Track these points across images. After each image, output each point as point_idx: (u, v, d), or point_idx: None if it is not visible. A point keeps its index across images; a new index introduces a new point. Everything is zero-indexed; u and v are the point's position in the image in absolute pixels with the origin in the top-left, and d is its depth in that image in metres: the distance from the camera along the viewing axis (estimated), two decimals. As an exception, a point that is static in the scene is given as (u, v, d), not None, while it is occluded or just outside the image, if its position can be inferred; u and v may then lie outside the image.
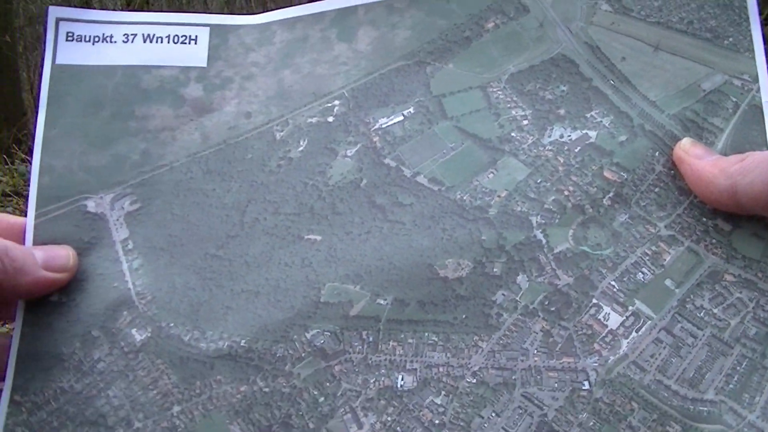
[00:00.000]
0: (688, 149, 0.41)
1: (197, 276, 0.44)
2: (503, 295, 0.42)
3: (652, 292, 0.41)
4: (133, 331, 0.44)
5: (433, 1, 0.47)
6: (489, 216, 0.43)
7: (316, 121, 0.46)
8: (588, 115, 0.44)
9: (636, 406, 0.39)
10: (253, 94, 0.47)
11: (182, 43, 0.48)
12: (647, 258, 0.41)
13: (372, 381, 0.41)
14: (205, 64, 0.48)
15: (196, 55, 0.48)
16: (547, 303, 0.41)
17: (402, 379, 0.41)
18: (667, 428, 0.39)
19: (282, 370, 0.42)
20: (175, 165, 0.46)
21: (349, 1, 0.47)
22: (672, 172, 0.42)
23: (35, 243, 0.45)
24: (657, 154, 0.43)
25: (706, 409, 0.39)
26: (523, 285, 0.42)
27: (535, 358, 0.41)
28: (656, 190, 0.42)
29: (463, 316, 0.42)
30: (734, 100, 0.42)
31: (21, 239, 0.45)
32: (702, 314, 0.40)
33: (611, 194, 0.42)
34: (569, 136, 0.44)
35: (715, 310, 0.40)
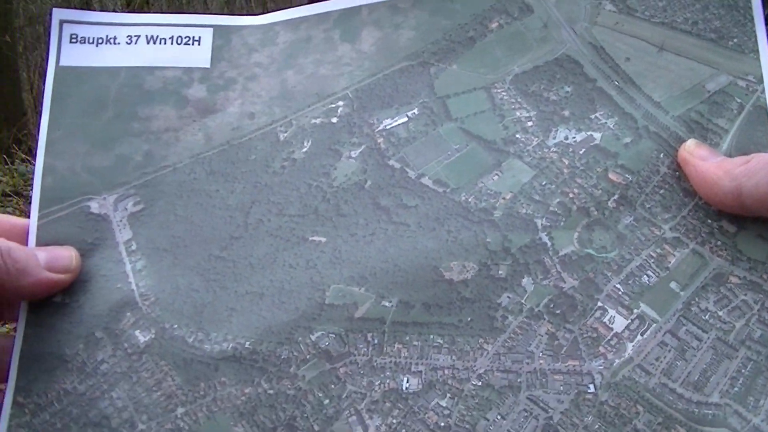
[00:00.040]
0: (692, 151, 0.41)
1: (201, 277, 0.44)
2: (508, 297, 0.42)
3: (657, 294, 0.41)
4: (137, 332, 0.43)
5: (436, 1, 0.46)
6: (494, 218, 0.43)
7: (320, 122, 0.46)
8: (592, 117, 0.44)
9: (641, 409, 0.39)
10: (257, 95, 0.47)
11: (185, 44, 0.48)
12: (652, 260, 0.41)
13: (377, 383, 0.41)
14: (208, 65, 0.48)
15: (200, 56, 0.48)
16: (552, 306, 0.41)
17: (407, 382, 0.41)
18: (672, 431, 0.39)
19: (287, 372, 0.42)
20: (178, 166, 0.46)
21: (353, 1, 0.47)
22: (677, 173, 0.42)
23: (38, 244, 0.45)
24: (662, 155, 0.42)
25: (711, 412, 0.39)
26: (528, 288, 0.42)
27: (541, 361, 0.41)
28: (661, 192, 0.42)
29: (469, 319, 0.42)
30: (739, 101, 0.42)
31: (24, 240, 0.45)
32: (707, 317, 0.40)
33: (616, 196, 0.42)
34: (574, 137, 0.43)
35: (720, 313, 0.40)
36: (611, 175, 0.43)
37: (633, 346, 0.40)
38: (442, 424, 0.40)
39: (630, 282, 0.41)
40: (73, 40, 0.48)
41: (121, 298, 0.44)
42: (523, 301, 0.41)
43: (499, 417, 0.40)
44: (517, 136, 0.44)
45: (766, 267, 0.40)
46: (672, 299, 0.41)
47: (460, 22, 0.46)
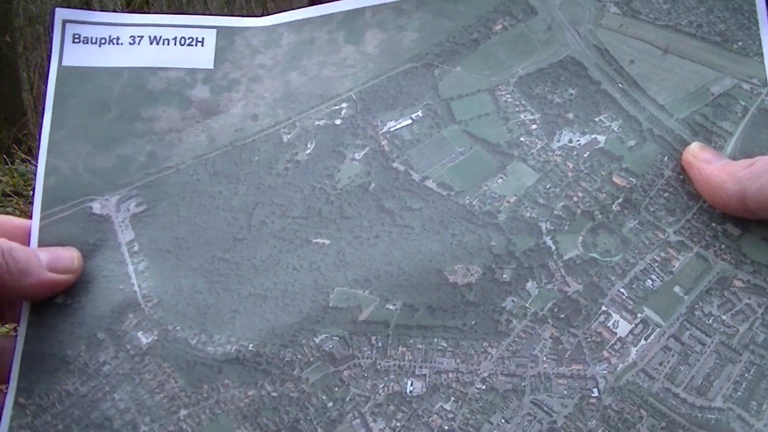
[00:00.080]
0: (697, 154, 0.41)
1: (204, 279, 0.44)
2: (513, 301, 0.42)
3: (660, 299, 0.41)
4: (139, 334, 0.43)
5: (440, 2, 0.46)
6: (498, 221, 0.43)
7: (324, 123, 0.46)
8: (597, 119, 0.44)
9: (644, 414, 0.39)
10: (260, 96, 0.47)
11: (189, 45, 0.48)
12: (656, 265, 0.41)
13: (381, 386, 0.41)
14: (211, 66, 0.48)
15: (203, 57, 0.48)
16: (556, 310, 0.41)
17: (411, 385, 0.41)
18: None
19: (290, 375, 0.42)
20: (181, 167, 0.46)
21: (357, 3, 0.47)
22: (681, 176, 0.42)
23: (40, 245, 0.45)
24: (666, 158, 0.42)
25: (714, 416, 0.39)
26: (532, 292, 0.42)
27: (545, 365, 0.41)
28: (665, 195, 0.42)
29: (473, 323, 0.42)
30: (743, 103, 0.42)
31: (26, 242, 0.45)
32: (710, 321, 0.40)
33: (620, 200, 0.42)
34: (578, 140, 0.43)
35: (724, 317, 0.40)
36: (615, 179, 0.42)
37: (637, 350, 0.40)
38: (446, 427, 0.40)
39: (634, 286, 0.41)
40: (76, 40, 0.48)
41: (123, 299, 0.44)
42: (527, 305, 0.41)
43: (503, 421, 0.40)
44: (522, 139, 0.44)
45: None
46: (676, 303, 0.41)
47: (463, 24, 0.46)
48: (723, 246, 0.41)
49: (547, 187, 0.43)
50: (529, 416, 0.40)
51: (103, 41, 0.48)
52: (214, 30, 0.48)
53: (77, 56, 0.48)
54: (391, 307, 0.42)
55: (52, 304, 0.44)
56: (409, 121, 0.45)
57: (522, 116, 0.44)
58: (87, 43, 0.48)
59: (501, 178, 0.44)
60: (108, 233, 0.45)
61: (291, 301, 0.43)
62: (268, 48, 0.47)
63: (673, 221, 0.42)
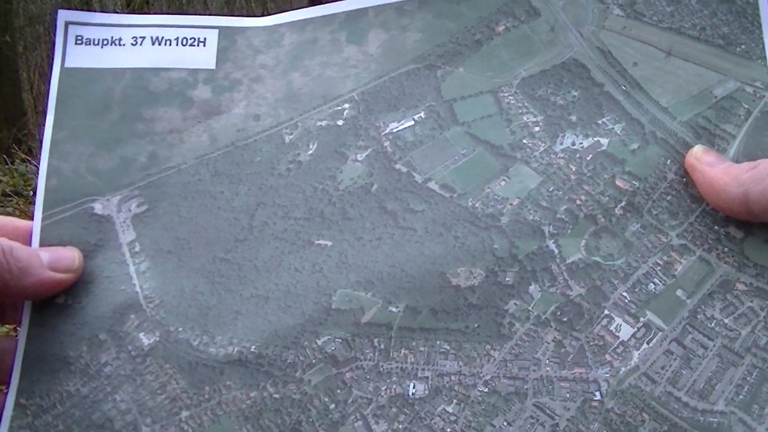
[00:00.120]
0: (700, 157, 0.41)
1: (206, 280, 0.44)
2: (515, 304, 0.41)
3: (663, 303, 0.41)
4: (141, 334, 0.43)
5: (443, 3, 0.46)
6: (501, 224, 0.43)
7: (326, 124, 0.46)
8: (600, 122, 0.44)
9: (647, 417, 0.39)
10: (262, 97, 0.47)
11: (191, 45, 0.48)
12: (659, 268, 0.41)
13: (383, 388, 0.41)
14: (213, 66, 0.48)
15: (205, 58, 0.48)
16: (559, 313, 0.41)
17: (414, 387, 0.41)
18: None
19: (292, 377, 0.42)
20: (182, 167, 0.46)
21: (359, 3, 0.47)
22: (684, 179, 0.42)
23: (41, 245, 0.45)
24: (669, 161, 0.42)
25: (716, 420, 0.39)
26: (535, 295, 0.42)
27: (547, 368, 0.41)
28: (668, 198, 0.42)
29: (476, 325, 0.41)
30: (746, 106, 0.42)
31: (27, 242, 0.45)
32: (713, 324, 0.40)
33: (623, 203, 0.42)
34: (581, 143, 0.43)
35: (727, 320, 0.40)
36: (618, 182, 0.42)
37: (639, 354, 0.40)
38: (449, 430, 0.40)
39: (637, 290, 0.41)
40: (79, 42, 0.48)
41: (124, 300, 0.44)
42: (530, 308, 0.41)
43: (505, 423, 0.40)
44: (524, 141, 0.44)
45: None
46: (678, 307, 0.41)
47: (466, 25, 0.46)
48: (726, 249, 0.41)
49: (550, 189, 0.43)
50: (531, 419, 0.40)
51: (105, 42, 0.48)
52: (216, 30, 0.48)
53: (80, 57, 0.48)
54: (393, 309, 0.42)
55: (53, 304, 0.44)
56: (412, 123, 0.45)
57: (525, 118, 0.44)
58: (89, 44, 0.48)
59: (504, 180, 0.43)
60: (109, 233, 0.45)
61: (293, 303, 0.43)
62: (270, 48, 0.47)
63: (675, 224, 0.42)
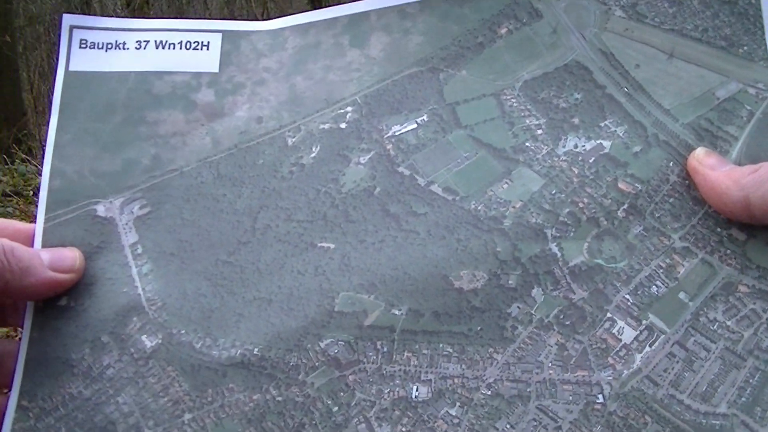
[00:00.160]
0: (702, 159, 0.41)
1: (208, 282, 0.44)
2: (518, 307, 0.41)
3: (665, 305, 0.41)
4: (144, 337, 0.43)
5: (445, 6, 0.46)
6: (504, 227, 0.43)
7: (329, 127, 0.46)
8: (602, 125, 0.44)
9: (649, 420, 0.39)
10: (265, 100, 0.47)
11: (194, 49, 0.48)
12: (661, 271, 0.41)
13: (386, 391, 0.41)
14: (217, 70, 0.48)
15: (208, 61, 0.48)
16: (562, 317, 0.41)
17: (417, 390, 0.41)
18: None
19: (295, 379, 0.42)
20: (185, 169, 0.46)
21: (362, 6, 0.47)
22: (686, 182, 0.42)
23: (44, 246, 0.45)
24: (671, 164, 0.42)
25: (718, 422, 0.39)
26: (538, 298, 0.42)
27: (550, 371, 0.41)
28: (671, 200, 0.42)
29: (478, 328, 0.41)
30: (749, 108, 0.42)
31: (29, 244, 0.45)
32: (715, 327, 0.40)
33: (626, 206, 0.42)
34: (583, 146, 0.43)
35: (729, 323, 0.40)
36: (621, 185, 0.42)
37: (641, 357, 0.40)
38: None
39: (639, 293, 0.41)
40: (83, 46, 0.48)
41: (127, 302, 0.44)
42: (533, 311, 0.41)
43: (508, 426, 0.40)
44: (527, 144, 0.44)
45: None
46: (681, 310, 0.41)
47: (468, 28, 0.46)
48: (728, 251, 0.41)
49: (553, 192, 0.43)
50: (534, 422, 0.40)
51: (109, 46, 0.48)
52: (220, 34, 0.48)
53: (84, 61, 0.48)
54: (396, 312, 0.42)
55: (55, 306, 0.44)
56: (415, 126, 0.45)
57: (527, 121, 0.44)
58: (93, 48, 0.48)
59: (506, 183, 0.43)
60: (112, 236, 0.45)
61: (296, 306, 0.43)
62: (273, 51, 0.47)
63: (678, 227, 0.42)
